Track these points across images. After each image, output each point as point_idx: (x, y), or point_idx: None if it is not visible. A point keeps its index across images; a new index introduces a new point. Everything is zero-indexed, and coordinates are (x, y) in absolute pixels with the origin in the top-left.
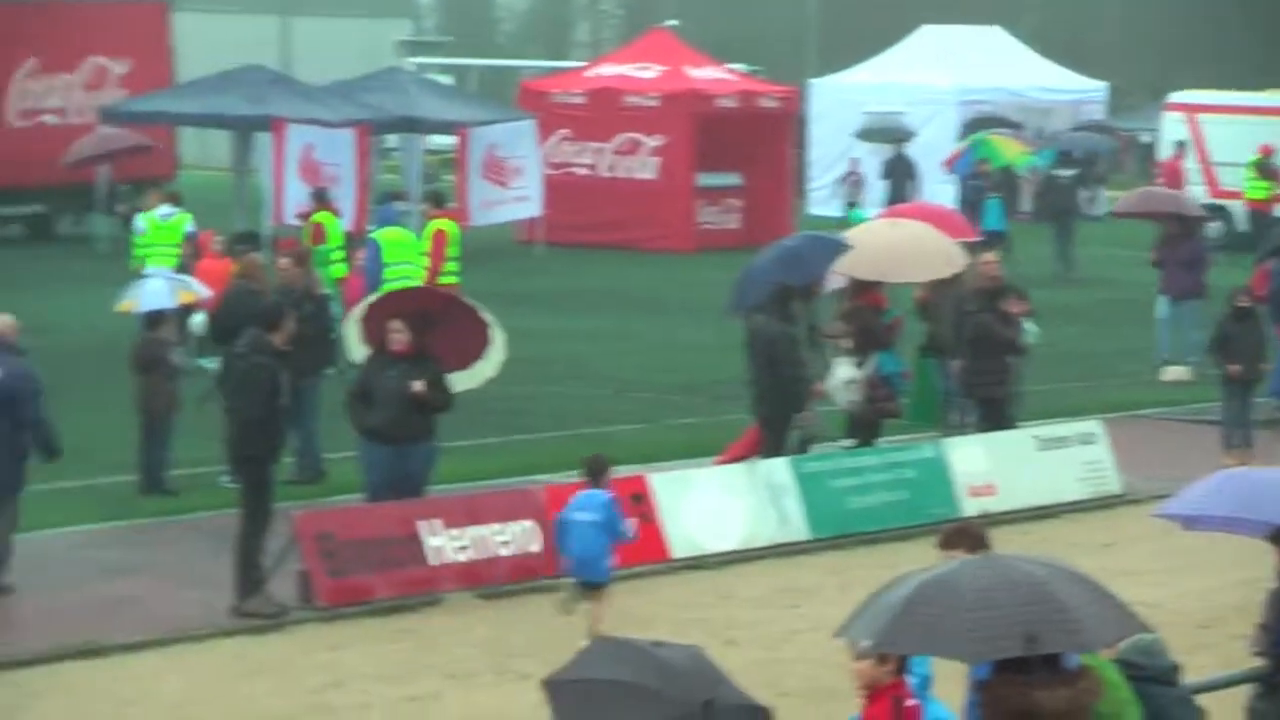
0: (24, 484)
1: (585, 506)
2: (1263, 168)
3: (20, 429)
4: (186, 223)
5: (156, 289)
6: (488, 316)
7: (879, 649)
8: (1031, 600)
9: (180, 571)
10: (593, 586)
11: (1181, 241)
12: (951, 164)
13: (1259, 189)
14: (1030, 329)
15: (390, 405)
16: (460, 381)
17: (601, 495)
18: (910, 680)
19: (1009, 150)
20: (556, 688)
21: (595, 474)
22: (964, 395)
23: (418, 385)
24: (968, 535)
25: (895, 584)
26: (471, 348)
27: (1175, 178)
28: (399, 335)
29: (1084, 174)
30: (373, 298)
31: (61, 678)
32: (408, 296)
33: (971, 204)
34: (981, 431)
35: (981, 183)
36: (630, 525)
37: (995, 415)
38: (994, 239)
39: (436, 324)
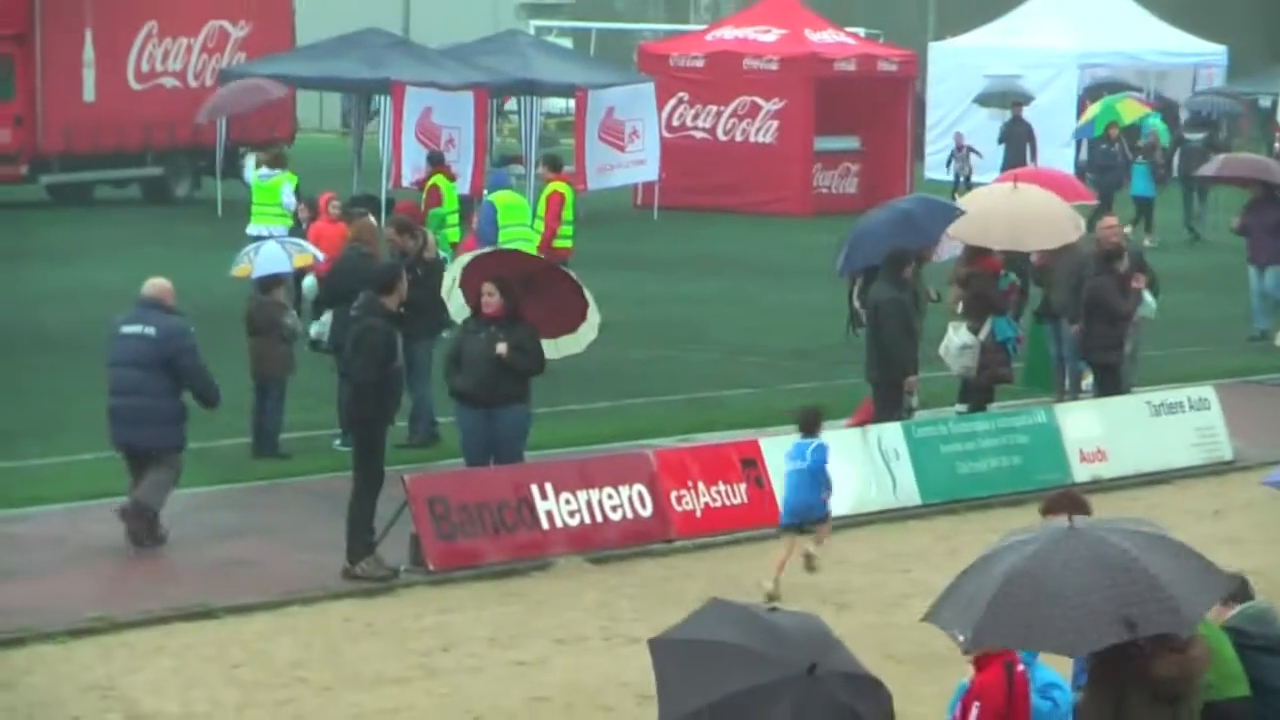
0: (185, 442)
1: (798, 455)
2: None
3: (177, 387)
4: (286, 184)
5: (272, 253)
6: (583, 287)
7: (976, 647)
8: (1126, 582)
9: (291, 534)
10: (813, 523)
11: (1266, 207)
12: (1077, 131)
13: None
14: (1149, 302)
15: (478, 368)
16: (557, 348)
17: (812, 444)
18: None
19: (1131, 112)
20: (661, 646)
21: (807, 425)
22: (1081, 360)
23: (502, 348)
24: (1070, 501)
25: (983, 566)
26: (567, 315)
27: None
28: (490, 298)
29: (1212, 138)
30: (467, 259)
31: (173, 639)
32: (503, 259)
33: (1100, 168)
34: (1098, 397)
35: (1113, 147)
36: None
37: (1111, 381)
38: (1143, 205)
39: (532, 288)
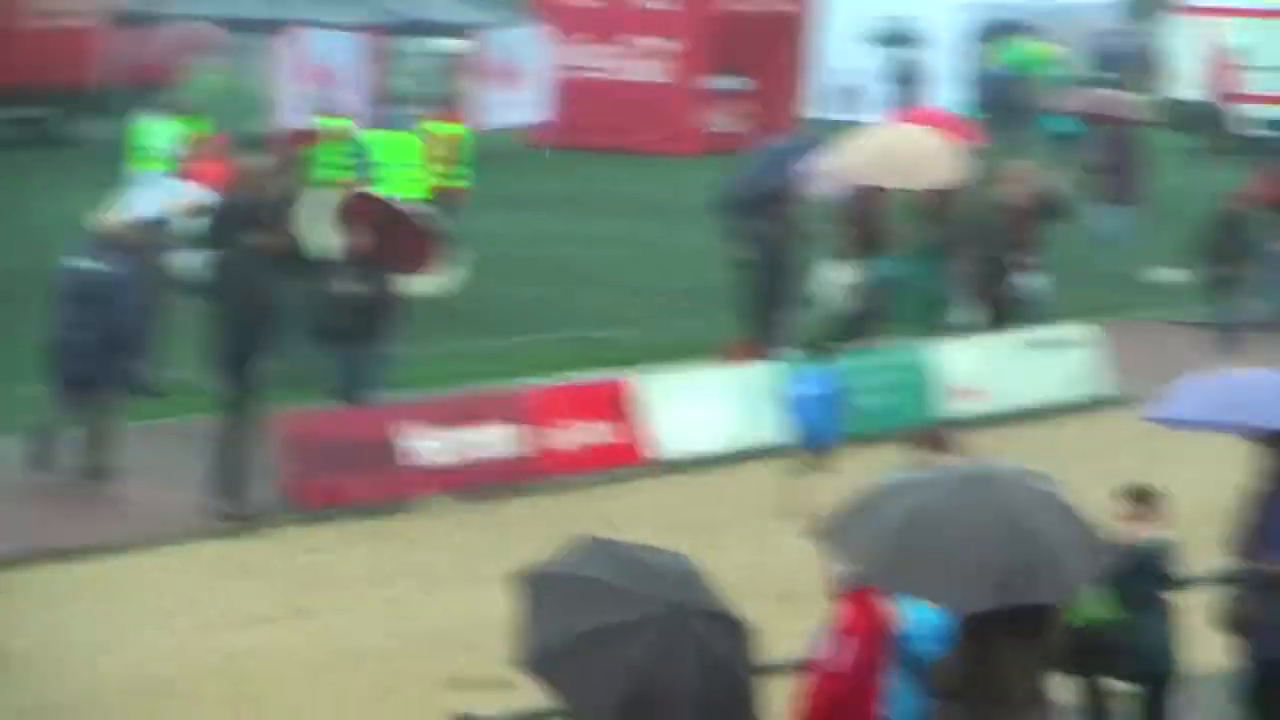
0: (130, 379)
1: (810, 382)
2: None
3: (120, 326)
4: (179, 127)
5: (145, 196)
6: (439, 233)
7: (862, 584)
8: (1015, 543)
9: (164, 474)
10: (820, 451)
11: (1118, 145)
12: (984, 72)
13: None
14: (1032, 283)
15: (334, 308)
16: (415, 285)
17: (824, 371)
18: None
19: (1044, 52)
20: (528, 580)
21: (819, 352)
22: (971, 297)
23: (356, 287)
24: (941, 436)
25: (886, 499)
26: (426, 256)
27: (1228, 81)
28: (361, 239)
29: (1123, 80)
30: (330, 199)
31: (42, 579)
32: (367, 201)
33: (1008, 109)
34: (988, 332)
35: (1016, 88)
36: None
37: (1002, 317)
38: (1065, 143)
39: (395, 230)
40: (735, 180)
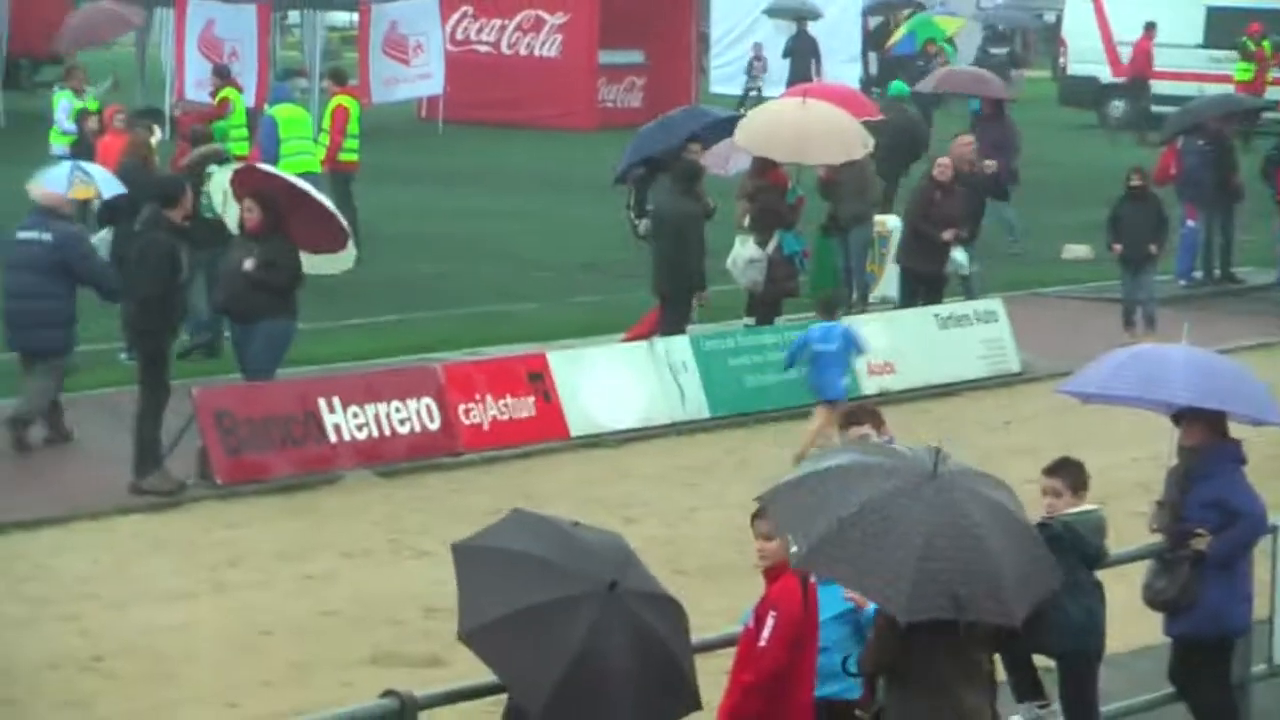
0: (73, 346)
1: (825, 339)
2: (1245, 50)
3: (71, 291)
4: (64, 100)
5: (56, 176)
6: (339, 219)
7: (805, 566)
8: (968, 557)
9: (78, 448)
10: (830, 402)
11: (991, 123)
12: (891, 47)
13: (1245, 71)
14: (958, 259)
15: (230, 282)
16: (312, 264)
17: (838, 328)
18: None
19: (950, 25)
20: (465, 553)
21: (828, 310)
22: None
23: (248, 264)
24: (867, 412)
25: (840, 481)
26: (328, 234)
27: (1145, 59)
28: (250, 213)
29: (1013, 52)
30: (230, 173)
31: None
32: (266, 177)
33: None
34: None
35: (932, 63)
36: (867, 343)
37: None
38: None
39: (295, 204)
40: (626, 152)
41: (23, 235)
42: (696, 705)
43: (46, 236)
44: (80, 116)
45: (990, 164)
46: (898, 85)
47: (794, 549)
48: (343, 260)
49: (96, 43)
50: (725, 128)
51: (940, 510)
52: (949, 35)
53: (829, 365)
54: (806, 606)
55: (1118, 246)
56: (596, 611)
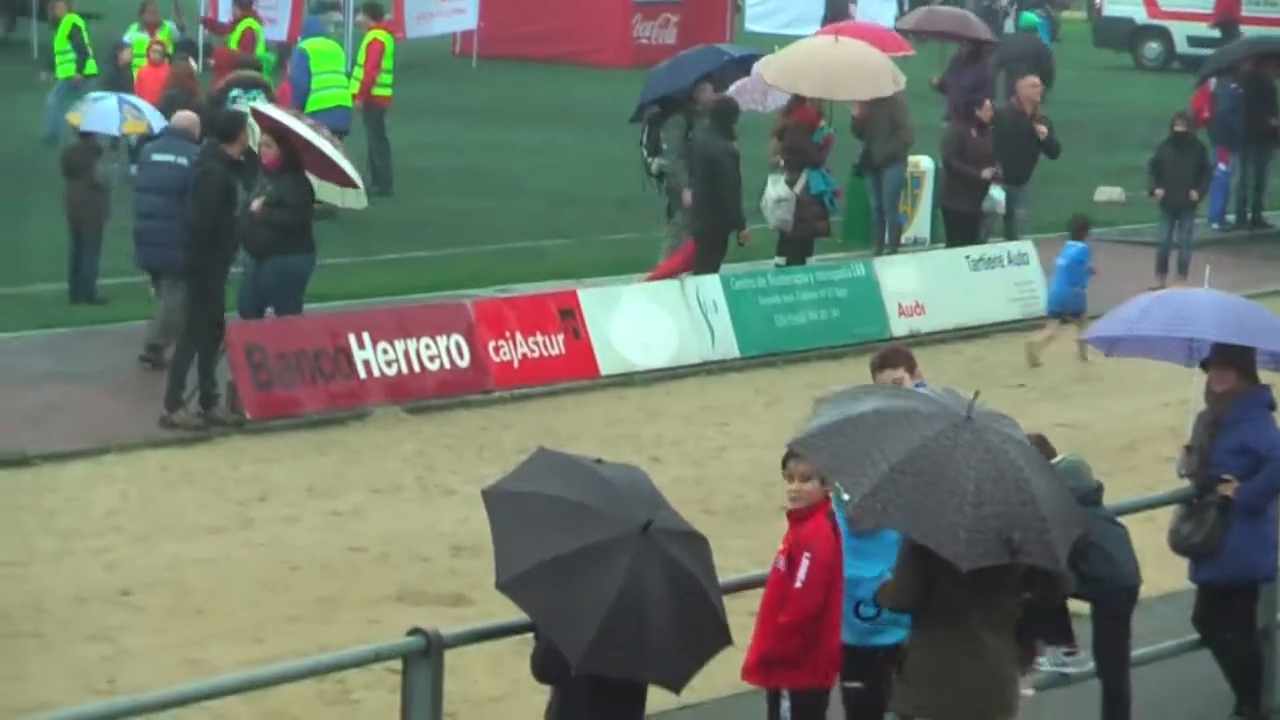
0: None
1: (1063, 255)
2: None
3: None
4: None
5: (104, 111)
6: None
7: (860, 516)
8: (1017, 503)
9: (108, 381)
10: (1072, 314)
11: (967, 66)
12: None
13: None
14: (995, 196)
15: (243, 219)
16: (343, 197)
17: (1075, 246)
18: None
19: None
20: (497, 498)
21: (1078, 230)
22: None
23: (256, 203)
24: (902, 357)
25: (875, 426)
26: (338, 175)
27: (1235, 2)
28: (268, 149)
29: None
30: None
31: None
32: (272, 121)
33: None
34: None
35: (995, 3)
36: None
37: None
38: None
39: (304, 145)
40: (644, 90)
41: (157, 157)
42: (728, 640)
43: (181, 160)
44: (115, 49)
45: (989, 172)
46: (1028, 17)
47: (845, 496)
48: (351, 197)
49: None
50: (741, 66)
51: (983, 455)
52: None
53: (1061, 278)
54: (837, 548)
55: (1160, 191)
56: (632, 553)
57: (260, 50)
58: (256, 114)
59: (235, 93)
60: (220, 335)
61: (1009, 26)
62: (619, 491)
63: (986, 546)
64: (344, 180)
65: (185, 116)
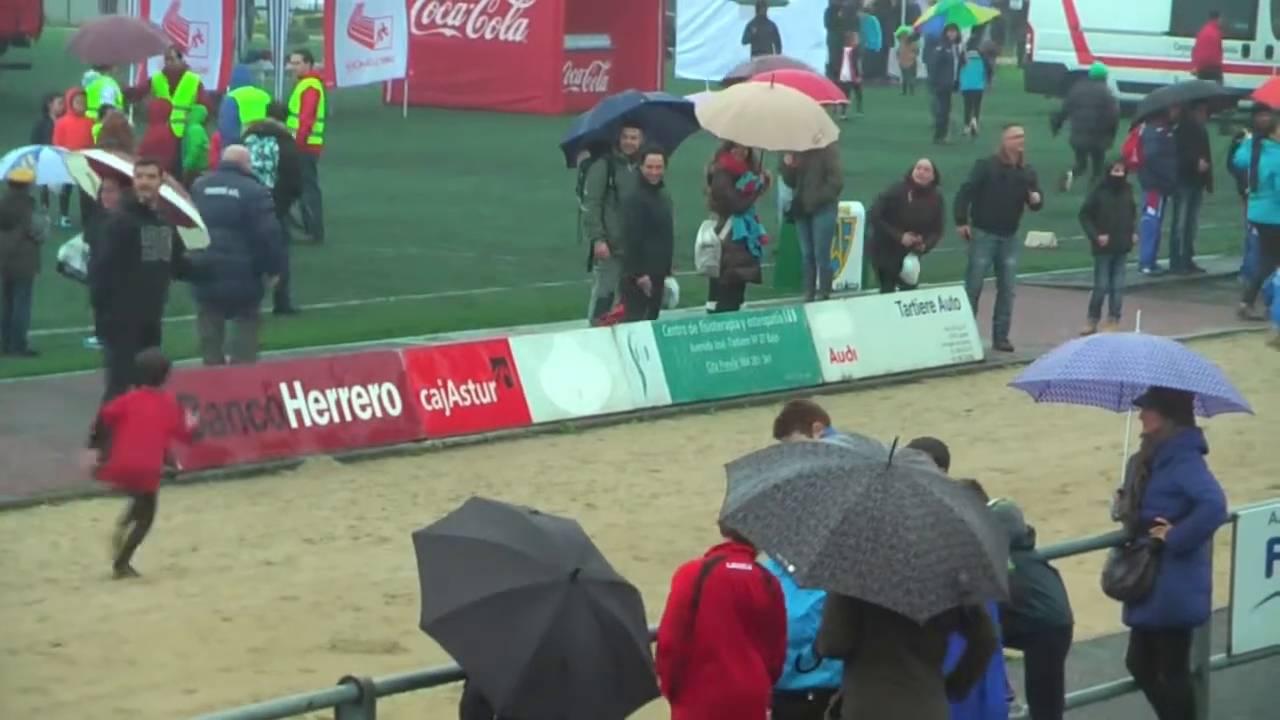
0: (263, 292)
1: None
2: None
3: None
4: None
5: (52, 160)
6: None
7: (810, 584)
8: (957, 544)
9: (40, 433)
10: None
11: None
12: (919, 27)
13: None
14: (908, 266)
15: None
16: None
17: None
18: None
19: (982, 15)
20: (427, 541)
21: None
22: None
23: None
24: (796, 417)
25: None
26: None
27: (1214, 47)
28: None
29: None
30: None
31: None
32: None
33: (936, 66)
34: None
35: (950, 49)
36: None
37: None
38: (973, 97)
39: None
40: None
41: (210, 191)
42: (655, 691)
43: (234, 192)
44: (46, 99)
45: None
46: (1098, 68)
47: (790, 568)
48: (193, 236)
49: (122, 62)
50: (670, 110)
51: (916, 501)
52: (979, 24)
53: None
54: (699, 589)
55: (1104, 238)
56: (560, 599)
57: (185, 100)
58: (93, 162)
59: (250, 139)
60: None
61: (969, 74)
62: (550, 540)
63: (938, 593)
64: (184, 221)
65: (236, 150)
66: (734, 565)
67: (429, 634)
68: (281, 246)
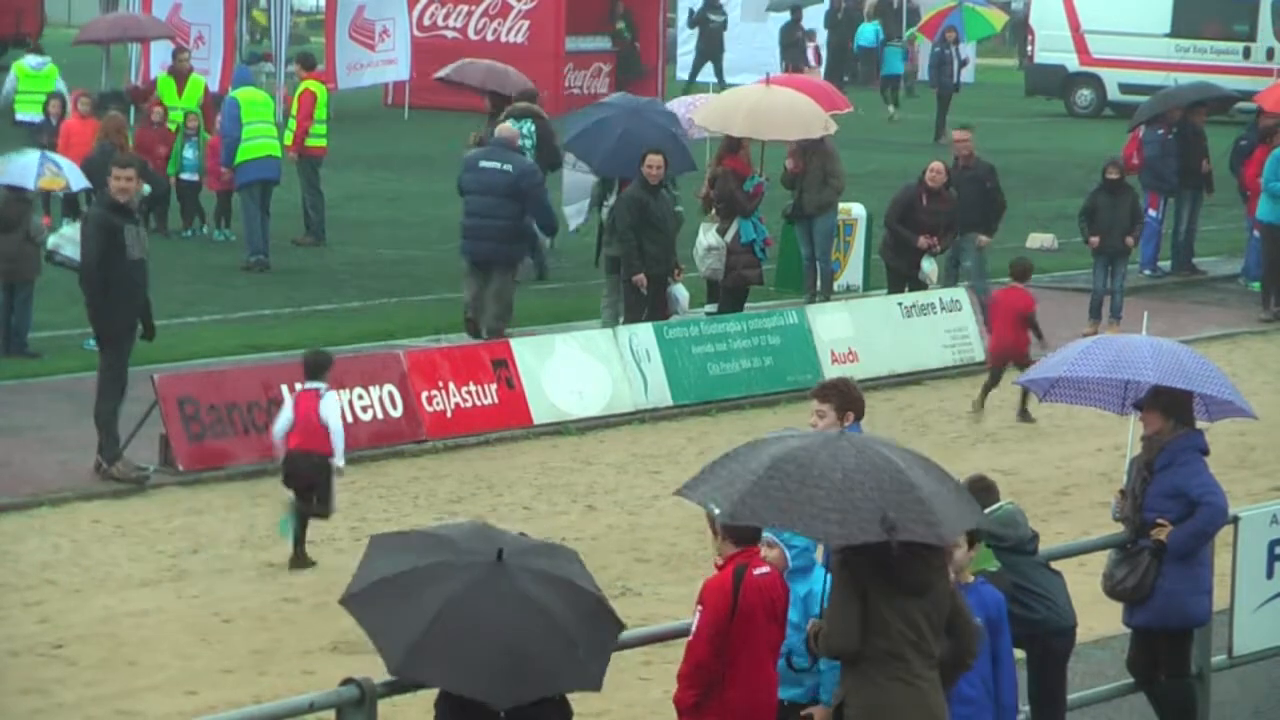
0: (522, 255)
1: None
2: None
3: (520, 213)
4: (56, 76)
5: (25, 164)
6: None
7: (733, 520)
8: (890, 488)
9: (40, 434)
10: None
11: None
12: (930, 30)
13: None
14: (926, 268)
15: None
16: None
17: None
18: (786, 550)
19: (995, 20)
20: (357, 602)
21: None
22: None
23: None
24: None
25: (748, 452)
26: None
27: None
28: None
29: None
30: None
31: None
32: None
33: (936, 67)
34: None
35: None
36: None
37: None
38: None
39: None
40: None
41: (485, 164)
42: (587, 685)
43: (508, 167)
44: (47, 100)
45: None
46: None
47: (716, 510)
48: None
49: (133, 39)
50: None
51: (851, 453)
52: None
53: None
54: (738, 599)
55: (1095, 240)
56: (479, 575)
57: (192, 103)
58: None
59: (511, 121)
60: (116, 389)
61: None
62: (463, 537)
63: (861, 525)
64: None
65: (506, 129)
66: (759, 571)
67: (345, 607)
68: (553, 214)
